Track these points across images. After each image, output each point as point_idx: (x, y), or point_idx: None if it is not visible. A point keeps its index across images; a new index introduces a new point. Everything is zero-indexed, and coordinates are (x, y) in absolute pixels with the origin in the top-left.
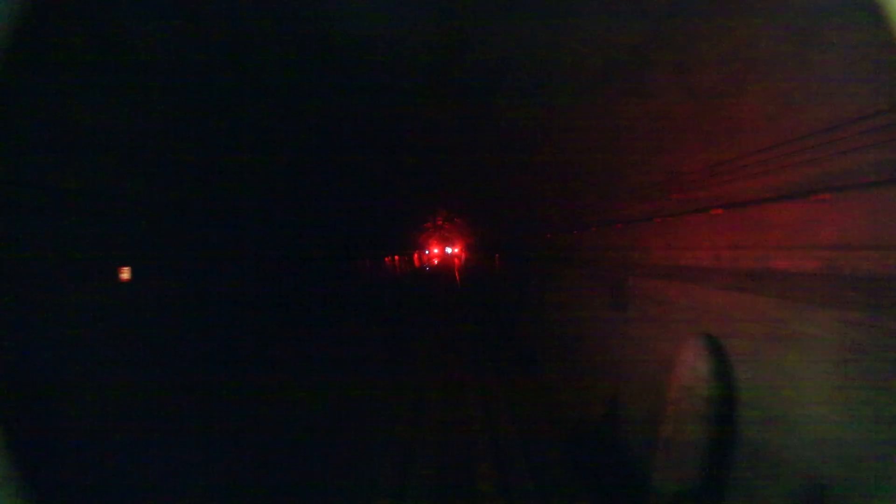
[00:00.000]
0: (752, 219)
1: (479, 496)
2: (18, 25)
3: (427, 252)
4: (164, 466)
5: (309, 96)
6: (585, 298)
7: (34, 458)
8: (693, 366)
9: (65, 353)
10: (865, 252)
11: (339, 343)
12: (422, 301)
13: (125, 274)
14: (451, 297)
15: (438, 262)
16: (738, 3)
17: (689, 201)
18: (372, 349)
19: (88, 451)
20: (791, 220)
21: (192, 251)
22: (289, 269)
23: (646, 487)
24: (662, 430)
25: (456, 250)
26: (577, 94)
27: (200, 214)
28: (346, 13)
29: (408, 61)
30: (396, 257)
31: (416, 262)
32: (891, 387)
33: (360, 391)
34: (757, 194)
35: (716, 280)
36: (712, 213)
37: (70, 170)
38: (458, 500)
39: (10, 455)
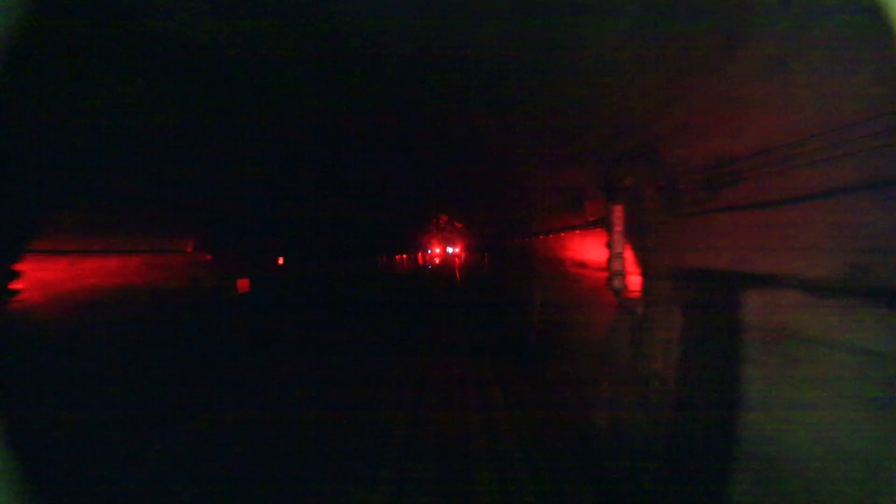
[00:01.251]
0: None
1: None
2: (21, 25)
3: (430, 251)
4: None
5: (325, 107)
6: (522, 278)
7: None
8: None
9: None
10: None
11: (365, 321)
12: (427, 290)
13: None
14: (451, 288)
15: (440, 262)
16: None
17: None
18: (389, 327)
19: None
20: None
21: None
22: (328, 267)
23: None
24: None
25: (457, 250)
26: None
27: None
28: (351, 14)
29: (414, 66)
30: (405, 256)
31: (420, 261)
32: None
33: (382, 354)
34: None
35: None
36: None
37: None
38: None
39: (9, 454)
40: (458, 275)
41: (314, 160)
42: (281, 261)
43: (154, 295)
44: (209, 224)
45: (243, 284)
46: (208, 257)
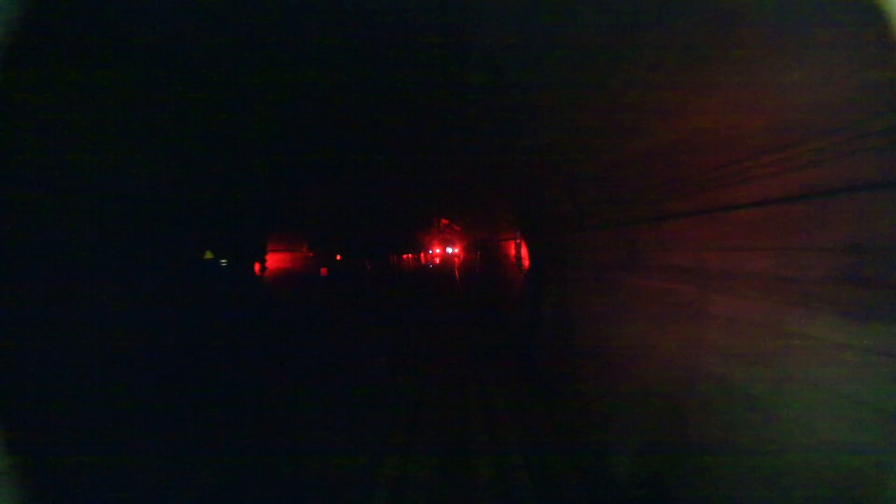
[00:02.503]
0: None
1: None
2: (18, 22)
3: (430, 252)
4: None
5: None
6: (492, 264)
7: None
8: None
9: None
10: None
11: (390, 299)
12: (432, 279)
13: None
14: (450, 276)
15: (440, 262)
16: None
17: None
18: (398, 315)
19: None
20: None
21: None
22: (361, 262)
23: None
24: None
25: (456, 250)
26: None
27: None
28: (357, 16)
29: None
30: (410, 255)
31: (422, 260)
32: None
33: (403, 316)
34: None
35: None
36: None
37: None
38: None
39: (8, 453)
40: (456, 270)
41: (352, 186)
42: (339, 257)
43: (297, 270)
44: (310, 236)
45: (323, 271)
46: (310, 254)
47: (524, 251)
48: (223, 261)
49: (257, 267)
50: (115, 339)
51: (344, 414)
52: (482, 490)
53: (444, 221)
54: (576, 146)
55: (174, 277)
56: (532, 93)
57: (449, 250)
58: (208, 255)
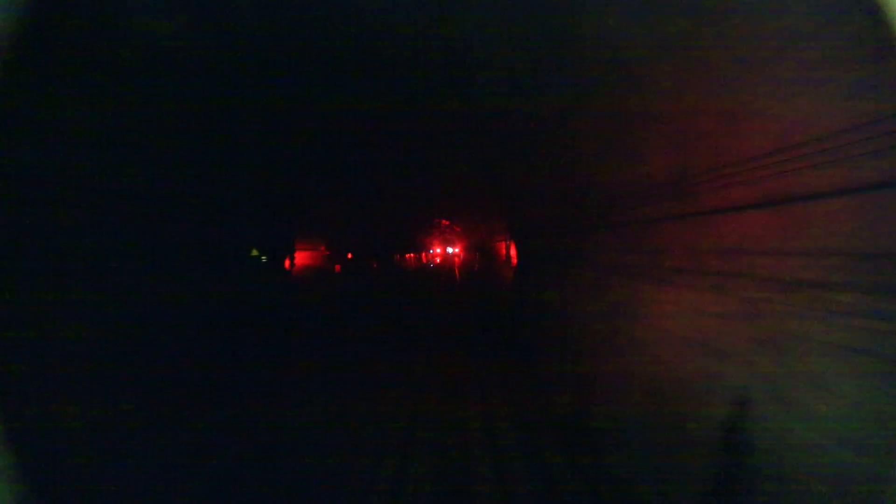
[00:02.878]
0: None
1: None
2: (20, 22)
3: (431, 252)
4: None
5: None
6: (488, 261)
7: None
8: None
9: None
10: None
11: (395, 292)
12: (434, 276)
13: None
14: (451, 273)
15: (441, 261)
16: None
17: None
18: (410, 295)
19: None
20: None
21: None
22: (358, 262)
23: None
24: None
25: (456, 250)
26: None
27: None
28: (357, 16)
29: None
30: (412, 255)
31: (424, 260)
32: None
33: (407, 307)
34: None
35: None
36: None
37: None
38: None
39: (8, 452)
40: (456, 269)
41: (363, 192)
42: (350, 255)
43: (317, 266)
44: (327, 236)
45: (337, 267)
46: (327, 252)
47: (513, 251)
48: (263, 257)
49: (287, 262)
50: (182, 321)
51: (371, 368)
52: (473, 398)
53: (444, 223)
54: (546, 174)
55: (231, 269)
56: (519, 122)
57: (450, 250)
58: (255, 252)
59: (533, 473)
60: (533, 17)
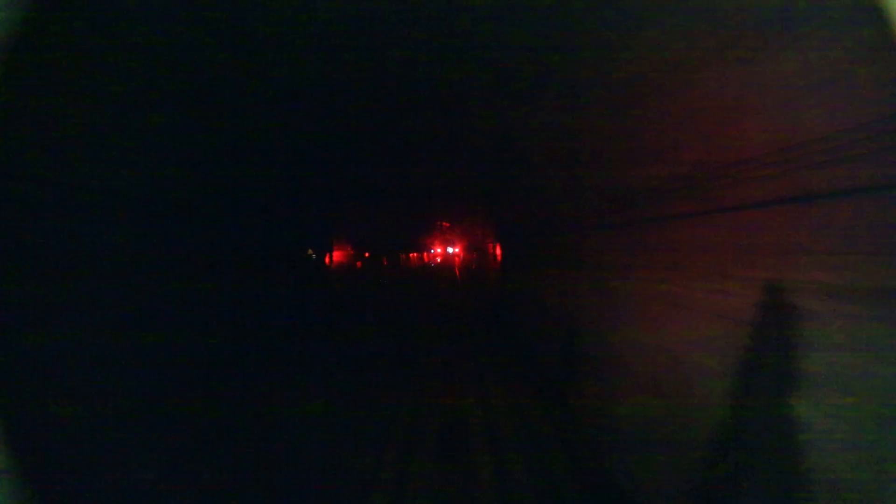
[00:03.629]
0: None
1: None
2: (19, 22)
3: (432, 251)
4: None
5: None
6: (482, 259)
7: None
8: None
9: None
10: None
11: (404, 286)
12: (435, 274)
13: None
14: (451, 271)
15: (441, 261)
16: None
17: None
18: (417, 288)
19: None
20: None
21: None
22: (374, 260)
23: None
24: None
25: (456, 250)
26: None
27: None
28: (356, 18)
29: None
30: (416, 254)
31: (425, 259)
32: None
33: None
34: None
35: None
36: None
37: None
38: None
39: (8, 451)
40: (456, 268)
41: (378, 198)
42: (367, 254)
43: (345, 262)
44: (352, 239)
45: (359, 264)
46: (352, 252)
47: (499, 251)
48: (313, 255)
49: (327, 259)
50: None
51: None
52: (465, 343)
53: (445, 224)
54: (523, 186)
55: (294, 264)
56: (499, 139)
57: (450, 250)
58: (310, 251)
59: (495, 365)
60: (528, 17)
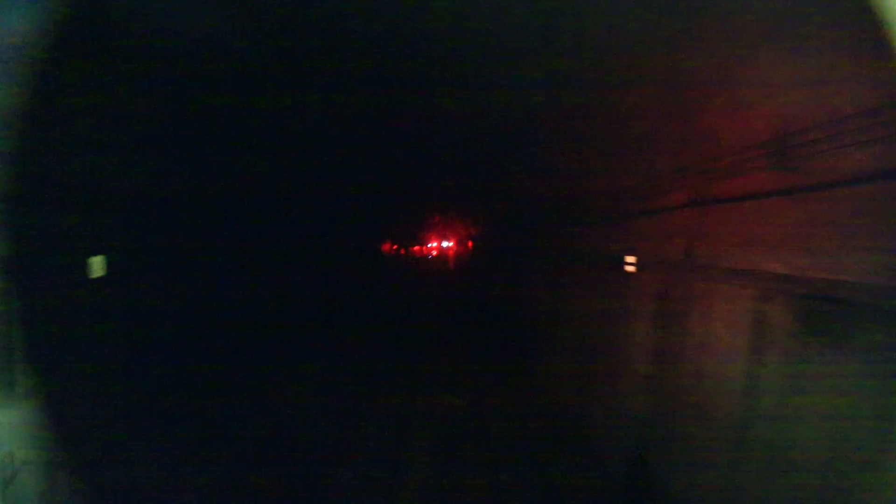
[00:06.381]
0: None
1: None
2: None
3: (429, 245)
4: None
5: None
6: (465, 251)
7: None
8: None
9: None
10: None
11: (411, 272)
12: (432, 263)
13: None
14: (445, 261)
15: (437, 254)
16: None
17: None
18: (419, 275)
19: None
20: None
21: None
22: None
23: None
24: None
25: (451, 244)
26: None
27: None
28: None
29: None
30: (418, 247)
31: (424, 251)
32: None
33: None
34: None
35: None
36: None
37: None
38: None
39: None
40: (450, 259)
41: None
42: (395, 246)
43: (388, 252)
44: (390, 235)
45: (391, 252)
46: (392, 245)
47: (486, 245)
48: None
49: (384, 248)
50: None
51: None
52: (458, 331)
53: (437, 218)
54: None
55: (362, 254)
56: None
57: (444, 244)
58: (379, 245)
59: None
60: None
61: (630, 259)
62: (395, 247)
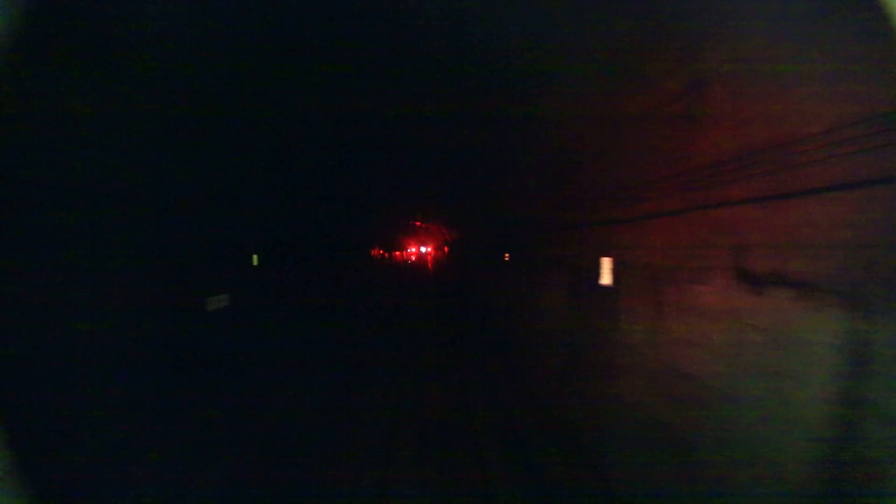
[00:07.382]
0: None
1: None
2: (18, 22)
3: (407, 250)
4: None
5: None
6: (444, 257)
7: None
8: None
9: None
10: None
11: (393, 275)
12: (411, 268)
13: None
14: (425, 269)
15: (416, 259)
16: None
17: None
18: (401, 277)
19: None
20: None
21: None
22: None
23: None
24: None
25: (429, 249)
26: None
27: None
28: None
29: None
30: (398, 252)
31: (400, 257)
32: None
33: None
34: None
35: None
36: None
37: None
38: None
39: (9, 451)
40: (429, 264)
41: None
42: (380, 251)
43: (375, 257)
44: (376, 241)
45: (378, 256)
46: (378, 250)
47: (461, 250)
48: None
49: (372, 253)
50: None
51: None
52: (442, 318)
53: (419, 224)
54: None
55: (354, 257)
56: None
57: (423, 249)
58: (370, 250)
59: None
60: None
61: (579, 262)
62: (381, 252)
